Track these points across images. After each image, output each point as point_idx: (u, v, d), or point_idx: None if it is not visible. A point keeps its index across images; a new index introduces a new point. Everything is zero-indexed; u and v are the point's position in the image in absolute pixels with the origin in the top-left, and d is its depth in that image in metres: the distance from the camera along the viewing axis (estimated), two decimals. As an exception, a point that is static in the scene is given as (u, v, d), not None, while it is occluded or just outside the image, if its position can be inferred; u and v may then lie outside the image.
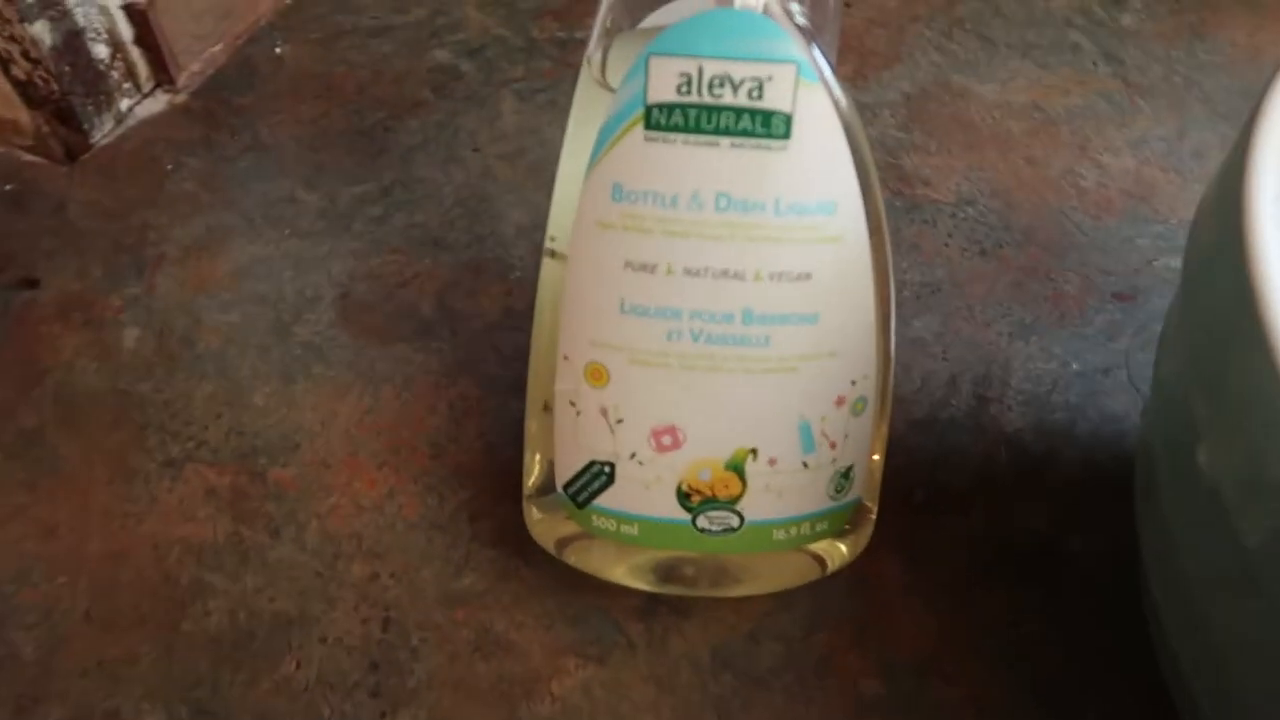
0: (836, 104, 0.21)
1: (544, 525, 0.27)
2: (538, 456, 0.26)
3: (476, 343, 0.32)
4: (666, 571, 0.27)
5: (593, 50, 0.23)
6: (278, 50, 0.41)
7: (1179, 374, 0.22)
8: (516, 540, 0.28)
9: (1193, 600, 0.21)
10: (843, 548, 0.27)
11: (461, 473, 0.30)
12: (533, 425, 0.26)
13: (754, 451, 0.24)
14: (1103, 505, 0.30)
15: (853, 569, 0.29)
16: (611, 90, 0.22)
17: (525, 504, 0.27)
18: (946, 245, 0.36)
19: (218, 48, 0.40)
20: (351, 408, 0.31)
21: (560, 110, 0.39)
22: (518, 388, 0.31)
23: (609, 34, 0.23)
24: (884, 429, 0.26)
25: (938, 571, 0.29)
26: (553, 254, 0.24)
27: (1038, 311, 0.34)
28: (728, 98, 0.21)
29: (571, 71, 0.41)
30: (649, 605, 0.28)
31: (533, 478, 0.27)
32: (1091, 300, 0.34)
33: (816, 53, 0.21)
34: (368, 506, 0.29)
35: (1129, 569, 0.28)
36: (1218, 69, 0.42)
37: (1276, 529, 0.17)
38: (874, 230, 0.23)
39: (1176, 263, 0.36)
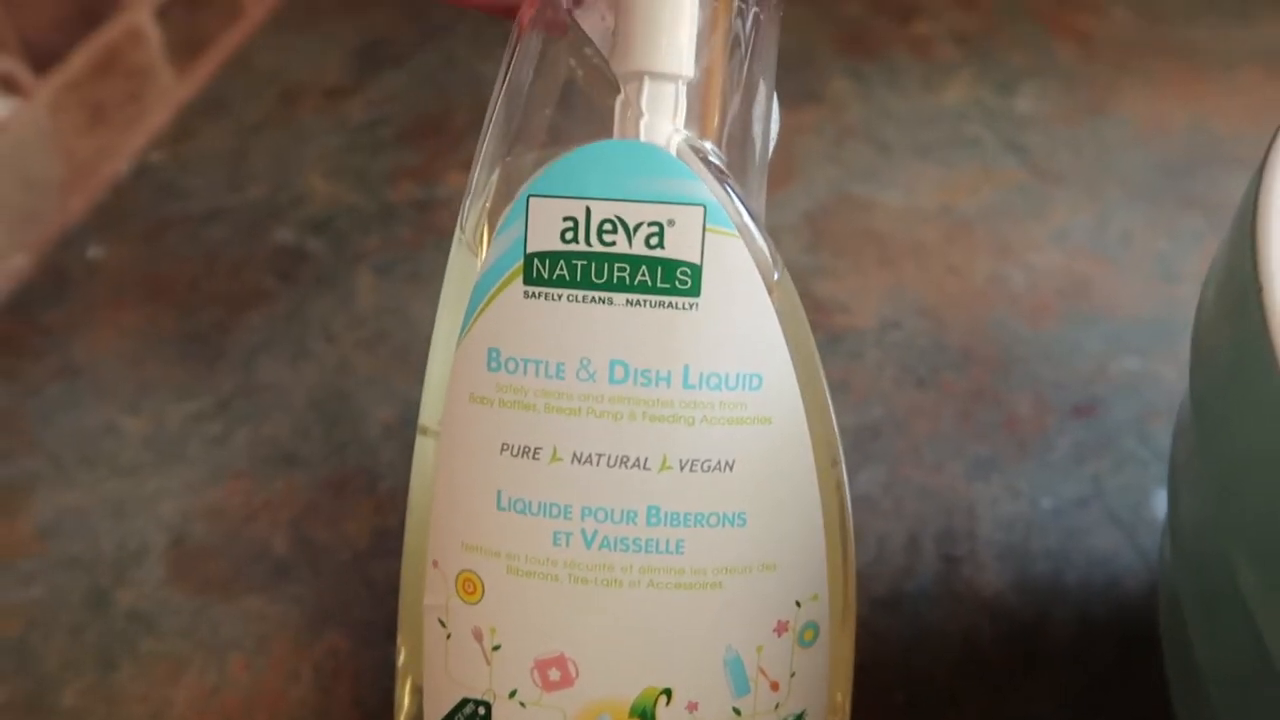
0: (758, 256, 0.17)
1: None
2: (409, 685, 0.21)
3: (344, 580, 0.27)
4: None
5: (466, 212, 0.19)
6: (90, 254, 0.35)
7: (1206, 522, 0.17)
8: (410, 844, 0.22)
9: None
10: None
11: (335, 758, 0.24)
12: (403, 647, 0.20)
13: (667, 693, 0.19)
14: (1115, 673, 0.25)
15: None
16: None
17: None
18: (878, 379, 0.31)
19: (20, 259, 0.35)
20: (190, 691, 0.25)
21: (424, 281, 0.35)
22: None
23: (484, 192, 0.18)
24: (847, 660, 0.20)
25: (939, 797, 0.23)
26: (425, 430, 0.20)
27: (994, 443, 0.30)
28: (621, 245, 0.17)
29: (434, 235, 0.37)
30: None
31: (402, 716, 0.21)
32: (1050, 420, 0.30)
33: (734, 196, 0.17)
34: (215, 827, 0.23)
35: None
36: (1125, 146, 0.40)
37: None
38: (815, 410, 0.18)
39: (1132, 364, 0.32)
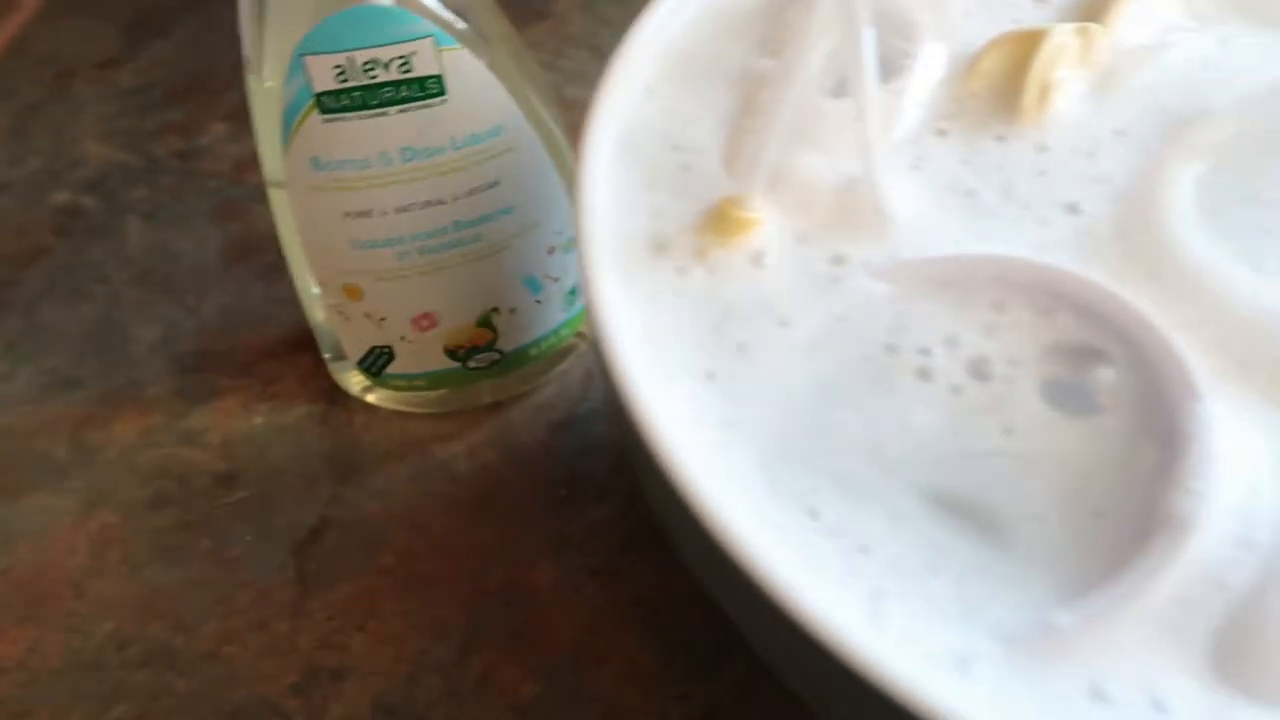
0: (484, 52, 0.25)
1: (346, 379, 0.32)
2: (323, 330, 0.31)
3: (112, 471, 0.32)
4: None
5: (258, 63, 0.25)
6: (-120, 238, 0.40)
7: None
8: (166, 658, 0.28)
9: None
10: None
11: (106, 603, 0.29)
12: (310, 313, 0.31)
13: (495, 309, 0.30)
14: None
15: (506, 581, 0.29)
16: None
17: (328, 364, 0.32)
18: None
19: None
20: (-14, 572, 0.30)
21: (185, 220, 0.39)
22: (158, 502, 0.31)
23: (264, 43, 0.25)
24: None
25: (586, 561, 0.29)
26: (275, 184, 0.27)
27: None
28: (383, 76, 0.24)
29: (195, 180, 0.41)
30: (304, 679, 0.27)
31: (325, 349, 0.32)
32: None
33: (455, 19, 0.24)
34: (10, 667, 0.28)
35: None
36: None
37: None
38: (545, 131, 0.27)
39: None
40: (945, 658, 0.14)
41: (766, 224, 0.19)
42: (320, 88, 0.24)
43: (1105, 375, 0.17)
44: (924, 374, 0.17)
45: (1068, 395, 0.17)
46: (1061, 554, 0.15)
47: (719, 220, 0.19)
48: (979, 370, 0.17)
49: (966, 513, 0.16)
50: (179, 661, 0.28)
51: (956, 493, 0.16)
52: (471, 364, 0.31)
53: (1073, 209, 0.19)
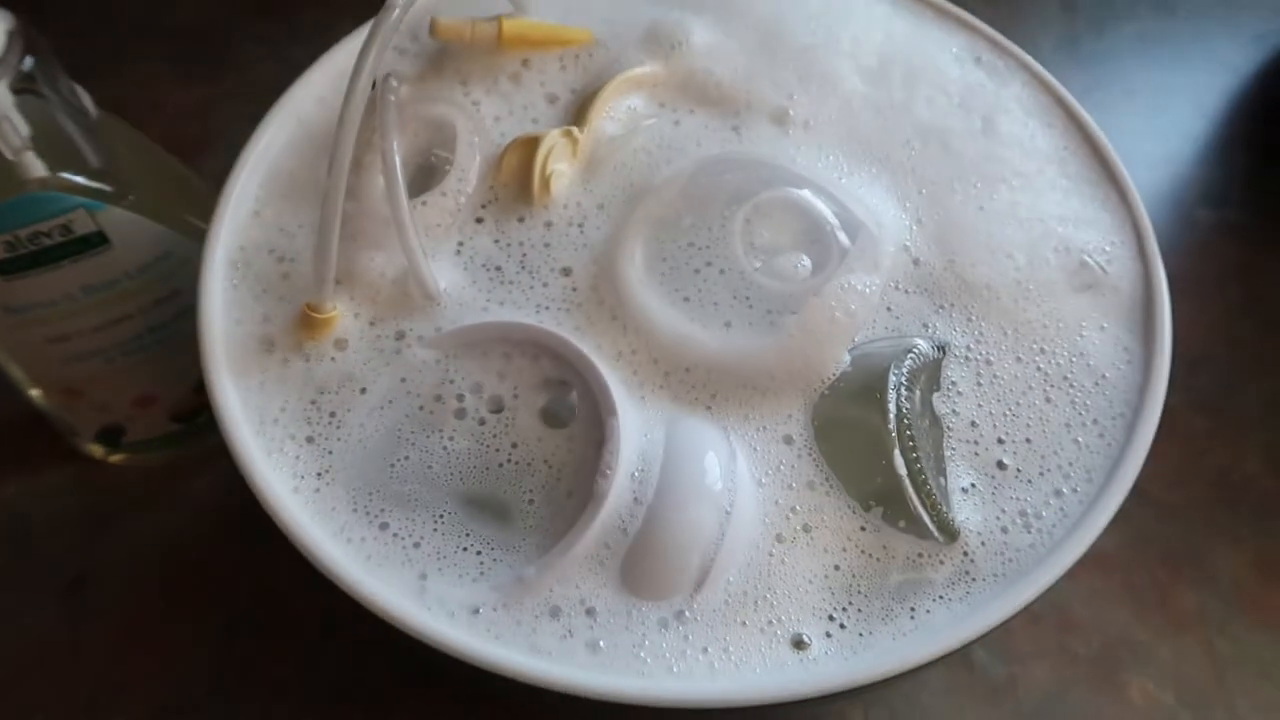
0: (133, 202, 0.30)
1: (88, 449, 0.38)
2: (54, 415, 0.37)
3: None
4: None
5: None
6: None
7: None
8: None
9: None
10: None
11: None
12: (38, 404, 0.36)
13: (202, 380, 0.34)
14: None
15: (253, 586, 0.36)
16: None
17: (68, 439, 0.38)
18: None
19: None
20: None
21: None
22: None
23: None
24: None
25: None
26: None
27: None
28: (48, 242, 0.29)
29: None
30: (90, 701, 0.34)
31: (60, 429, 0.37)
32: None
33: (100, 184, 0.29)
34: None
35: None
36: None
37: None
38: (196, 237, 0.31)
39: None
40: (464, 611, 0.22)
41: (345, 315, 0.26)
42: None
43: (574, 398, 0.25)
44: (460, 414, 0.25)
45: (556, 413, 0.25)
46: (546, 525, 0.24)
47: (303, 322, 0.26)
48: (496, 405, 0.25)
49: (488, 507, 0.24)
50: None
51: (481, 494, 0.24)
52: (200, 421, 0.37)
53: (566, 271, 0.27)
